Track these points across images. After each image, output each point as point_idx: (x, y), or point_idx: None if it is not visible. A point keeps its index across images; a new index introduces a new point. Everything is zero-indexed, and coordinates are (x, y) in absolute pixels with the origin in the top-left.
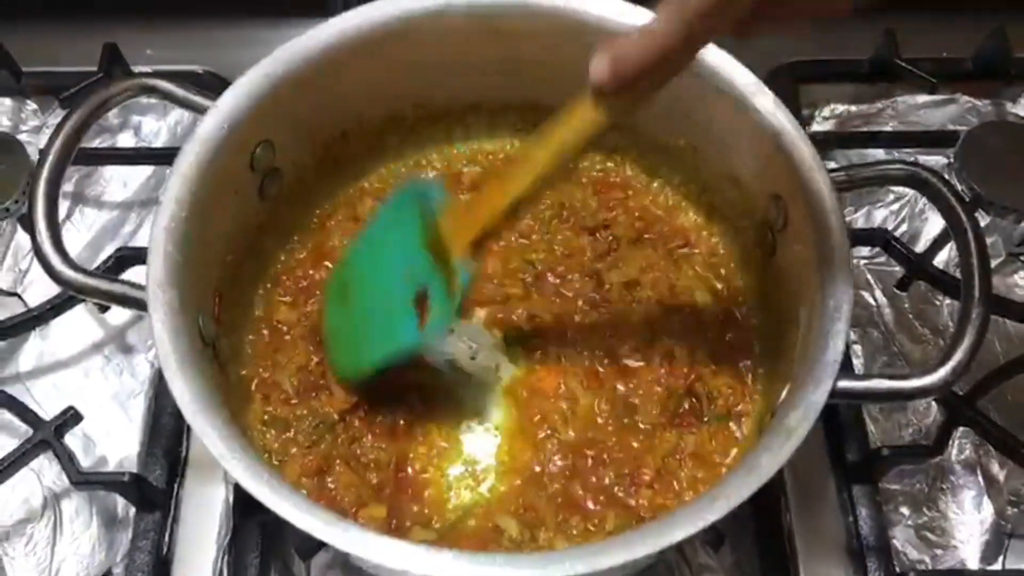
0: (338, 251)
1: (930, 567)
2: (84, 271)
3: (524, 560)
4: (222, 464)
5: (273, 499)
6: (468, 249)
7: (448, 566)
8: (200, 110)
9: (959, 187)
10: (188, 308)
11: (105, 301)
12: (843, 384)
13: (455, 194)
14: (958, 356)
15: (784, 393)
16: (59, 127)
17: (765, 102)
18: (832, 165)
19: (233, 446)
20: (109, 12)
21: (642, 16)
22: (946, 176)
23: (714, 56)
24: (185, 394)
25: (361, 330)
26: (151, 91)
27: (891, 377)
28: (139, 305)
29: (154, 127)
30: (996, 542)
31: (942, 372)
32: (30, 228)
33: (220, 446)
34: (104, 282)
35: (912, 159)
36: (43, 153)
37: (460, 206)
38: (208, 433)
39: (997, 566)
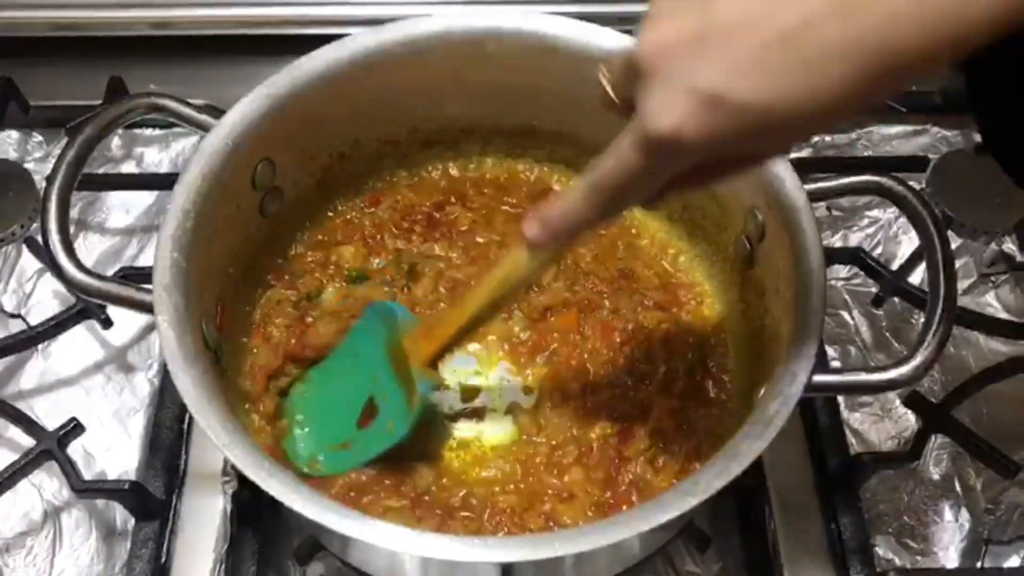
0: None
1: None
2: (94, 275)
3: (512, 542)
4: (225, 453)
5: (274, 485)
6: (427, 363)
7: (434, 547)
8: (205, 128)
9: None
10: (192, 312)
11: (114, 303)
12: (818, 378)
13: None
14: (926, 350)
15: (763, 391)
16: (71, 141)
17: None
18: None
19: (235, 437)
20: (114, 49)
21: (625, 44)
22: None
23: None
24: (190, 388)
25: (311, 430)
26: (160, 110)
27: (863, 371)
28: (146, 308)
29: (156, 158)
30: (974, 548)
31: (911, 365)
32: (43, 233)
33: (223, 436)
34: (113, 286)
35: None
36: (57, 162)
37: (419, 327)
38: (212, 424)
39: None
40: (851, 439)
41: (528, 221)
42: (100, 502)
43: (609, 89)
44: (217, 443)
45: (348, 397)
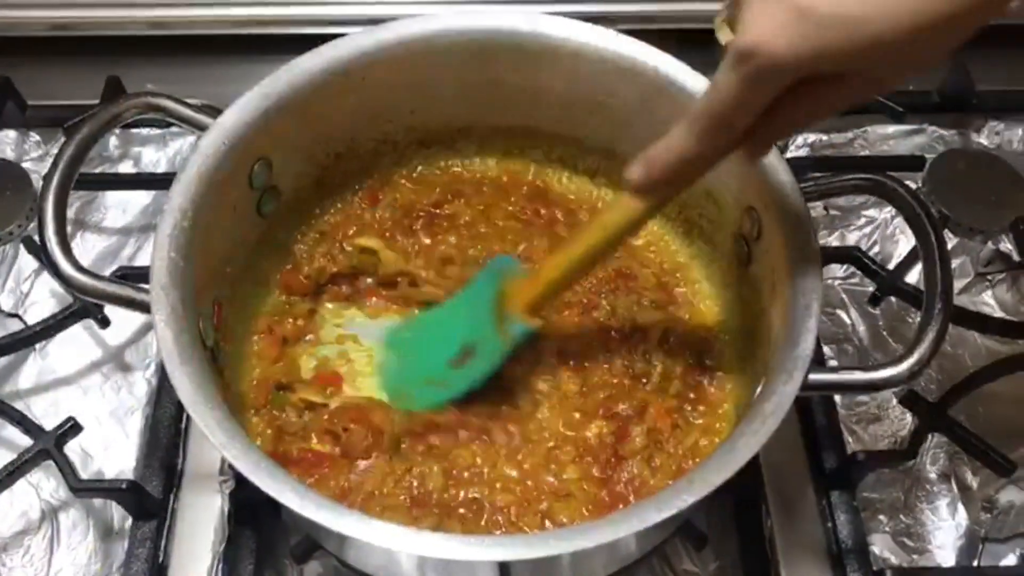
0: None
1: None
2: (92, 274)
3: (509, 541)
4: (222, 452)
5: (271, 484)
6: (526, 310)
7: (432, 546)
8: (202, 127)
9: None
10: (189, 312)
11: (111, 303)
12: (815, 377)
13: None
14: (922, 348)
15: (759, 388)
16: (68, 141)
17: None
18: None
19: (232, 437)
20: (112, 49)
21: (622, 44)
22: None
23: (692, 78)
24: (187, 387)
25: (407, 374)
26: (157, 109)
27: (859, 369)
28: (143, 307)
29: (153, 157)
30: (971, 546)
31: (907, 364)
32: (40, 233)
33: (221, 435)
34: (110, 285)
35: None
36: (54, 162)
37: (524, 276)
38: (209, 423)
39: None
40: (848, 438)
41: (632, 164)
42: (98, 501)
43: (723, 35)
44: (214, 442)
45: (446, 340)
